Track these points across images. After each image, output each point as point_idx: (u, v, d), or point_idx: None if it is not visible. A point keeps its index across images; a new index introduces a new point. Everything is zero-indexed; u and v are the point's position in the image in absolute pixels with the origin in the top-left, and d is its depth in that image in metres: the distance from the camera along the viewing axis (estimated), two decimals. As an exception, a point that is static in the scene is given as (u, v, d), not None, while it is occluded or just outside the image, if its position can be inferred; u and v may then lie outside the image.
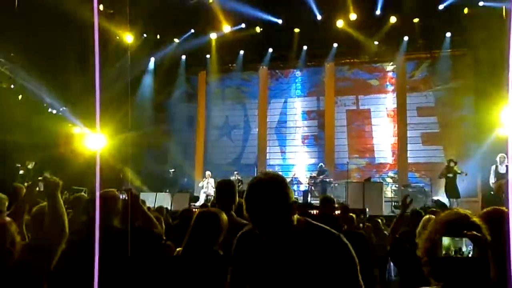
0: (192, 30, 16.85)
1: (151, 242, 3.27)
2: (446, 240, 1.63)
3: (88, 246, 3.13)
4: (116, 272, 3.05)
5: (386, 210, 13.42)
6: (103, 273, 3.04)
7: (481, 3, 13.52)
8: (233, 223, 3.73)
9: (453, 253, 1.61)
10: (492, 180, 11.93)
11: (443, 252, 1.63)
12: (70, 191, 12.61)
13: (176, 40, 17.31)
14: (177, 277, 3.09)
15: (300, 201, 14.80)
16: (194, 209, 6.52)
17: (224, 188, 4.00)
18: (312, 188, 15.32)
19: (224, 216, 3.22)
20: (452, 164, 12.98)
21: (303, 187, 16.87)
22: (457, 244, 1.61)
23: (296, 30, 16.38)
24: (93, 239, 3.15)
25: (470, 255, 1.60)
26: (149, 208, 8.07)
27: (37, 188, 3.14)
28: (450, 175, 12.93)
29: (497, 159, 11.92)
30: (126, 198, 3.37)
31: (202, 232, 3.10)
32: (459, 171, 12.89)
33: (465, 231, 1.63)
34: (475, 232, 1.63)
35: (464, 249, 1.60)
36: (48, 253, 2.64)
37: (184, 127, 19.04)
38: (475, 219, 1.76)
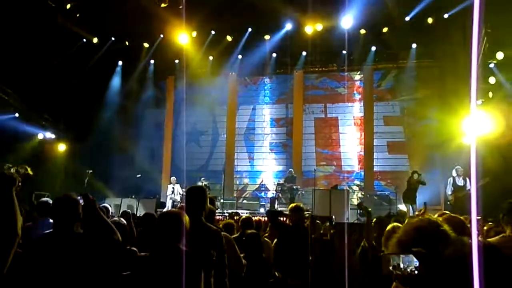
0: (162, 36, 16.72)
1: (110, 248, 3.20)
2: (394, 258, 1.61)
3: (50, 252, 3.06)
4: (74, 278, 2.98)
5: (352, 217, 13.54)
6: (61, 279, 2.98)
7: (445, 15, 13.82)
8: (202, 229, 3.71)
9: (399, 270, 1.59)
10: (449, 191, 12.20)
11: (390, 268, 1.61)
12: (34, 196, 12.33)
13: (145, 45, 17.14)
14: (145, 277, 3.07)
15: (267, 208, 14.84)
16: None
17: (193, 194, 3.97)
18: (280, 195, 15.34)
19: (186, 217, 3.24)
20: (416, 176, 13.18)
21: (270, 194, 16.89)
22: (404, 260, 1.59)
23: (266, 37, 16.43)
24: (57, 244, 3.08)
25: (415, 272, 1.58)
26: (112, 214, 7.94)
27: None
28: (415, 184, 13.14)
29: (454, 171, 12.18)
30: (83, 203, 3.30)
31: (166, 231, 3.12)
32: (422, 181, 13.07)
33: (412, 248, 1.62)
34: (420, 249, 1.61)
35: (411, 266, 1.58)
36: None
37: (152, 132, 18.83)
38: (445, 227, 1.76)
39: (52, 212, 3.27)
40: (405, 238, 1.73)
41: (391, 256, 1.62)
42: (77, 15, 14.95)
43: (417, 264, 1.58)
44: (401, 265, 1.60)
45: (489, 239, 3.54)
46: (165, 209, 14.08)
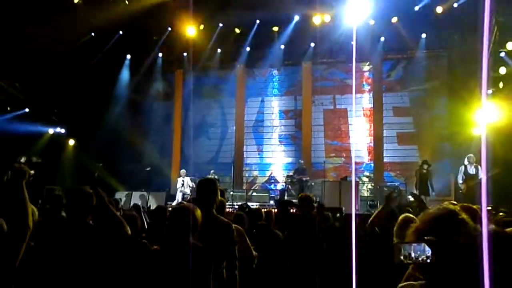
0: (170, 29, 16.72)
1: (119, 241, 3.24)
2: (405, 246, 1.61)
3: (62, 243, 3.10)
4: (84, 269, 3.02)
5: (362, 209, 13.54)
6: (72, 271, 3.02)
7: (455, 4, 13.69)
8: (213, 221, 3.73)
9: (410, 259, 1.59)
10: (460, 180, 12.12)
11: (401, 257, 1.61)
12: (45, 190, 12.50)
13: (154, 38, 17.14)
14: (155, 270, 3.10)
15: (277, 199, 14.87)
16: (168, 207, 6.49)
17: (205, 187, 4.00)
18: (289, 186, 15.36)
19: (198, 211, 3.26)
20: (425, 166, 13.13)
21: (280, 186, 16.91)
22: (415, 249, 1.59)
23: (274, 29, 16.37)
24: (69, 237, 3.12)
25: (428, 261, 1.58)
26: (121, 207, 8.01)
27: (6, 177, 3.02)
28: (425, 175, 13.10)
29: (466, 159, 12.10)
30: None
31: (178, 226, 3.13)
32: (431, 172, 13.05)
33: (425, 237, 1.62)
34: (433, 238, 1.61)
35: (422, 255, 1.58)
36: (9, 249, 2.48)
37: (161, 126, 18.88)
38: (464, 216, 1.76)
39: (66, 204, 3.30)
40: (423, 227, 1.73)
41: (402, 245, 1.63)
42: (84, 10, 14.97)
43: (429, 253, 1.58)
44: (412, 254, 1.60)
45: (507, 229, 3.53)
46: (174, 202, 14.18)
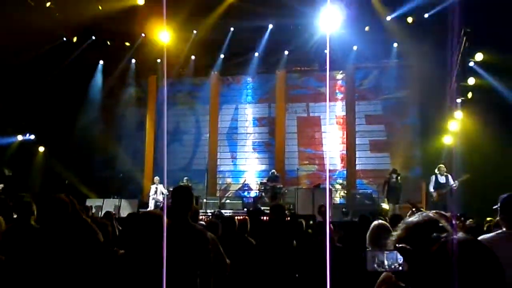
0: (143, 34, 16.60)
1: (92, 249, 3.19)
2: (378, 254, 1.61)
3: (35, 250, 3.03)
4: (57, 277, 2.96)
5: (335, 216, 13.60)
6: (47, 279, 2.95)
7: (426, 15, 13.96)
8: (188, 229, 3.70)
9: (383, 267, 1.59)
10: (431, 189, 12.37)
11: (374, 265, 1.61)
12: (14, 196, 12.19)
13: (127, 44, 16.98)
14: (122, 276, 3.06)
15: (251, 208, 14.84)
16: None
17: (180, 194, 3.96)
18: (263, 194, 15.35)
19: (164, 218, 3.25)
20: (394, 175, 13.37)
21: (253, 193, 16.89)
22: (388, 257, 1.59)
23: (248, 36, 16.40)
24: (43, 245, 3.05)
25: (400, 269, 1.58)
26: (92, 214, 7.88)
27: None
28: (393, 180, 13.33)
29: (436, 169, 12.36)
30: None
31: (145, 231, 3.11)
32: (399, 181, 13.32)
33: (397, 244, 1.62)
34: (405, 245, 1.61)
35: (395, 262, 1.58)
36: None
37: (134, 132, 18.68)
38: (444, 223, 1.77)
39: (40, 212, 3.23)
40: (404, 235, 1.73)
41: (375, 253, 1.62)
42: (57, 14, 14.75)
43: (401, 260, 1.58)
44: (385, 262, 1.60)
45: (485, 236, 3.59)
46: (148, 209, 14.01)
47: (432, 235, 1.62)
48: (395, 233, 1.78)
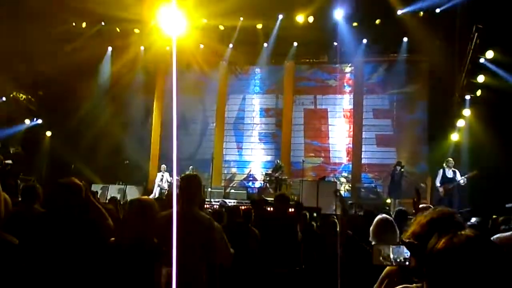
0: (153, 22, 16.56)
1: (103, 234, 3.20)
2: (384, 248, 1.62)
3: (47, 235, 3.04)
4: (68, 263, 2.98)
5: (340, 209, 13.60)
6: (58, 265, 2.96)
7: (437, 10, 13.85)
8: (195, 217, 3.70)
9: (388, 260, 1.60)
10: (438, 183, 12.33)
11: (380, 259, 1.62)
12: (19, 180, 12.28)
13: (136, 31, 16.95)
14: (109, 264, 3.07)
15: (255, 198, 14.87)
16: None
17: (188, 182, 3.96)
18: (267, 185, 15.38)
19: (155, 205, 3.24)
20: (398, 168, 13.37)
21: (258, 184, 16.92)
22: (394, 251, 1.59)
23: (258, 26, 16.34)
24: (56, 229, 3.06)
25: (407, 264, 1.58)
26: (98, 199, 7.92)
27: None
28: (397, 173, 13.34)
29: (445, 163, 12.32)
30: None
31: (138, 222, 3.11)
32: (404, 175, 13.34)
33: (404, 239, 1.62)
34: (412, 241, 1.61)
35: (400, 257, 1.59)
36: None
37: (141, 120, 18.69)
38: (459, 219, 1.76)
39: (54, 197, 3.24)
40: (419, 230, 1.73)
41: (381, 247, 1.63)
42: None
43: (408, 255, 1.59)
44: (391, 256, 1.61)
45: (503, 234, 3.60)
46: (151, 196, 14.07)
47: (448, 230, 1.61)
48: (409, 228, 1.78)
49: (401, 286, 1.77)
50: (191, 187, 3.88)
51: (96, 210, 3.23)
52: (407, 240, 1.62)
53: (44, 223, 3.14)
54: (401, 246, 1.61)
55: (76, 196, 3.17)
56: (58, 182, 3.27)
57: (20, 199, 4.80)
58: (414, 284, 1.70)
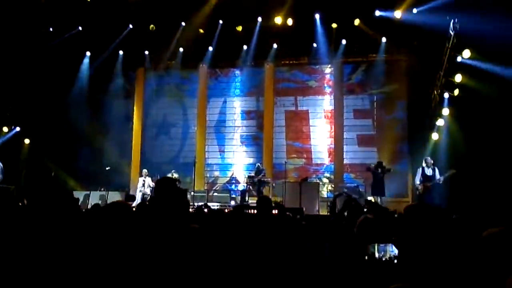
0: (131, 26, 16.46)
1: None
2: (372, 247, 1.63)
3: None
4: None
5: (323, 209, 13.68)
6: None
7: (414, 10, 13.99)
8: (171, 222, 3.66)
9: (373, 258, 1.61)
10: (417, 181, 12.48)
11: (367, 257, 1.63)
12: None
13: (114, 34, 16.79)
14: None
15: (238, 201, 14.88)
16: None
17: (163, 186, 3.92)
18: (250, 187, 15.38)
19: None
20: (379, 168, 13.51)
21: (241, 187, 16.90)
22: (379, 250, 1.61)
23: (238, 29, 16.33)
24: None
25: (394, 261, 1.59)
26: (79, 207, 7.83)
27: None
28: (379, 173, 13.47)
29: (423, 161, 12.47)
30: None
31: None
32: (388, 168, 13.48)
33: (393, 237, 1.64)
34: (400, 238, 1.62)
35: (389, 253, 1.60)
36: None
37: (121, 124, 18.52)
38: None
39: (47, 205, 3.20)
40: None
41: (368, 246, 1.64)
42: (42, 1, 14.56)
43: (395, 253, 1.60)
44: (376, 254, 1.62)
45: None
46: (135, 203, 13.94)
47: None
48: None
49: (393, 286, 1.78)
50: (165, 191, 3.85)
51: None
52: (395, 238, 1.63)
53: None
54: (388, 244, 1.62)
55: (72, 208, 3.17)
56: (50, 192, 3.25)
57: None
58: (405, 284, 1.71)
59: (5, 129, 15.65)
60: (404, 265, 1.58)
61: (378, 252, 1.62)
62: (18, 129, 16.09)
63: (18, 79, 14.86)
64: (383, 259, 1.62)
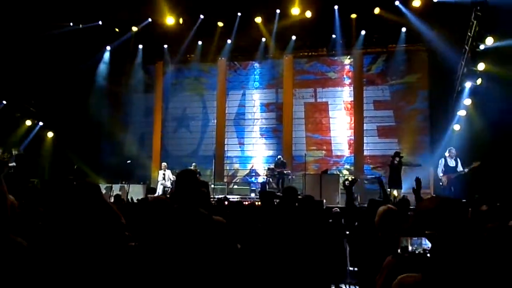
0: (150, 19, 16.54)
1: (117, 233, 3.20)
2: (402, 240, 1.62)
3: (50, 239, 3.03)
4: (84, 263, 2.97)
5: (342, 201, 13.61)
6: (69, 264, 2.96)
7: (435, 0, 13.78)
8: (194, 213, 3.68)
9: (406, 252, 1.60)
10: (440, 173, 12.26)
11: (400, 250, 1.62)
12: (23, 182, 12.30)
13: (134, 29, 16.90)
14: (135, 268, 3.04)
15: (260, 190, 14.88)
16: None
17: (183, 178, 3.94)
18: (270, 179, 15.37)
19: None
20: (397, 159, 13.21)
21: (261, 179, 16.92)
22: (416, 242, 1.59)
23: (257, 20, 16.29)
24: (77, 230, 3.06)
25: (427, 252, 1.58)
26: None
27: None
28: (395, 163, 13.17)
29: (447, 152, 12.27)
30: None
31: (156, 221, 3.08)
32: (405, 163, 13.14)
33: (426, 231, 1.62)
34: (433, 232, 1.61)
35: (422, 246, 1.59)
36: None
37: (141, 118, 18.71)
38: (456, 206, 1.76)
39: (73, 198, 3.23)
40: (415, 221, 1.72)
41: (401, 239, 1.63)
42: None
43: (427, 246, 1.59)
44: (409, 248, 1.61)
45: None
46: (155, 195, 14.08)
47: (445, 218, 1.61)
48: (411, 219, 1.78)
49: (404, 275, 1.78)
50: (186, 183, 3.86)
51: (108, 209, 3.22)
52: (428, 232, 1.61)
53: (63, 224, 3.14)
54: (422, 238, 1.61)
55: (94, 197, 3.18)
56: (76, 183, 3.29)
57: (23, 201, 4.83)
58: (415, 274, 1.71)
59: (29, 122, 15.89)
60: (438, 258, 1.57)
61: (412, 245, 1.61)
62: (41, 123, 16.33)
63: (40, 74, 15.04)
64: (417, 252, 1.61)
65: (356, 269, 5.07)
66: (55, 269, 2.86)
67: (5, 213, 2.43)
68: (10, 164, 12.26)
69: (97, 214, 3.19)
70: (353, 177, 15.12)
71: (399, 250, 1.62)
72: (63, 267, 2.88)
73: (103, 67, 17.79)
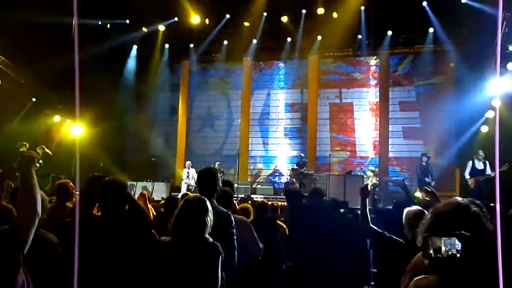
0: (176, 18, 16.68)
1: (144, 230, 3.24)
2: (435, 240, 1.61)
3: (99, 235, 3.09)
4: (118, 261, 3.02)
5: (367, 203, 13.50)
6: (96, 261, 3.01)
7: (463, 0, 13.57)
8: (214, 211, 3.70)
9: (442, 252, 1.58)
10: (467, 175, 12.10)
11: (431, 251, 1.61)
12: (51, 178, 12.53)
13: (160, 28, 17.06)
14: (167, 264, 3.05)
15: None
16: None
17: (205, 176, 3.98)
18: (294, 180, 15.34)
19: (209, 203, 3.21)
20: (424, 158, 13.16)
21: (284, 179, 16.91)
22: (446, 243, 1.58)
23: (283, 19, 16.28)
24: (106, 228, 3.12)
25: (458, 255, 1.57)
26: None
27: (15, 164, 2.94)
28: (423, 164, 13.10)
29: (475, 155, 12.08)
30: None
31: (193, 219, 3.08)
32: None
33: (456, 231, 1.61)
34: (463, 232, 1.60)
35: (453, 248, 1.57)
36: (18, 234, 2.37)
37: (166, 117, 18.89)
38: (475, 209, 1.75)
39: (102, 195, 3.28)
40: (434, 223, 1.72)
41: (432, 239, 1.62)
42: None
43: (459, 246, 1.58)
44: (443, 248, 1.60)
45: None
46: (180, 194, 14.18)
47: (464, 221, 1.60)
48: (425, 222, 1.77)
49: (420, 276, 1.77)
50: (206, 181, 3.90)
51: (135, 207, 3.27)
52: (458, 232, 1.60)
53: (92, 221, 3.19)
54: (453, 238, 1.60)
55: (123, 194, 3.23)
56: (105, 180, 3.33)
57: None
58: (432, 276, 1.70)
59: (57, 118, 16.15)
60: (469, 259, 1.56)
61: (445, 245, 1.60)
62: (68, 121, 16.59)
63: (68, 73, 15.27)
64: (449, 253, 1.59)
65: (377, 270, 5.03)
66: (85, 265, 2.91)
67: (34, 206, 2.45)
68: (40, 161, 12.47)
69: (125, 211, 3.24)
70: (375, 182, 15.04)
71: (431, 251, 1.61)
72: (93, 264, 2.93)
73: (130, 66, 18.00)
